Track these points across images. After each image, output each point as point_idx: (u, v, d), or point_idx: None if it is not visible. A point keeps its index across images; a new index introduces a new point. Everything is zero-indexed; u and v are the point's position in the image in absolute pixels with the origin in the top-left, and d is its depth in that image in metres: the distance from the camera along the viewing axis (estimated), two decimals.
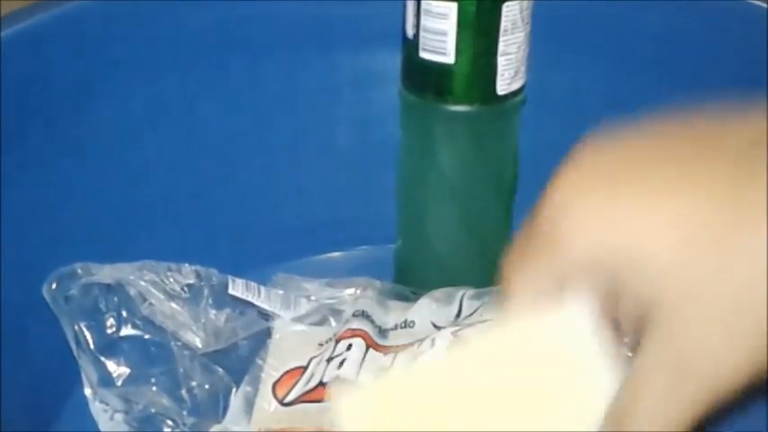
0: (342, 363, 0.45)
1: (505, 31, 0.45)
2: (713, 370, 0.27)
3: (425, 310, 0.48)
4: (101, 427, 0.46)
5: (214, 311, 0.46)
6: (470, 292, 0.48)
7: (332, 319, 0.49)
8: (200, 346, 0.46)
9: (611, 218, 0.28)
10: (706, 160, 0.27)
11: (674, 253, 0.27)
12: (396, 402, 0.32)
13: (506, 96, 0.47)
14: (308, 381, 0.46)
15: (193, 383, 0.46)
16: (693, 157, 0.28)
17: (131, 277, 0.45)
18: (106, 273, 0.45)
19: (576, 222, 0.29)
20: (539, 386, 0.32)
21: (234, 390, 0.47)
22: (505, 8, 0.44)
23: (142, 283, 0.45)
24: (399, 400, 0.32)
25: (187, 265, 0.47)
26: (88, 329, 0.45)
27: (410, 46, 0.46)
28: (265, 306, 0.48)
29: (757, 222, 0.25)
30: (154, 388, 0.46)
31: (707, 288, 0.27)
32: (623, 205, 0.28)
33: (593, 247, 0.29)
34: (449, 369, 0.33)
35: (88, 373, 0.45)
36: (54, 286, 0.44)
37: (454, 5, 0.44)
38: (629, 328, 0.32)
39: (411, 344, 0.47)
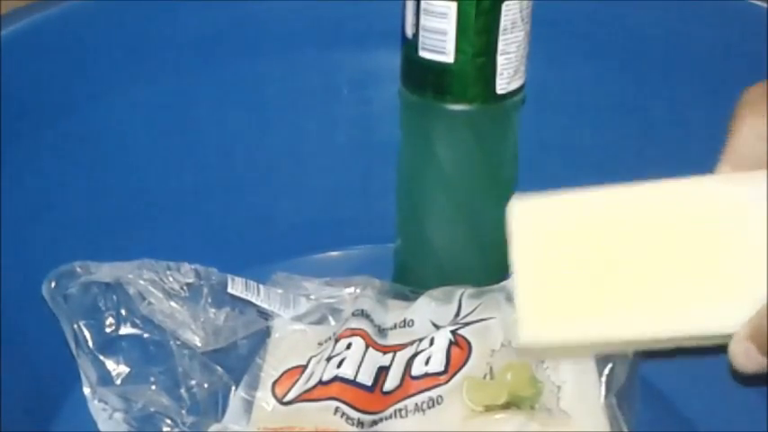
0: (341, 362, 0.45)
1: (505, 30, 0.45)
2: None
3: (425, 309, 0.48)
4: (100, 426, 0.46)
5: (213, 310, 0.46)
6: (470, 290, 0.48)
7: (331, 318, 0.49)
8: (199, 345, 0.46)
9: None
10: None
11: None
12: (567, 220, 0.34)
13: (506, 95, 0.47)
14: (308, 380, 0.46)
15: (193, 382, 0.46)
16: None
17: (130, 276, 0.45)
18: (105, 271, 0.45)
19: None
20: (711, 245, 0.33)
21: (233, 389, 0.47)
22: (505, 7, 0.44)
23: (141, 281, 0.45)
24: (572, 218, 0.34)
25: (186, 263, 0.47)
26: (87, 328, 0.45)
27: (410, 45, 0.46)
28: (265, 305, 0.48)
29: None
30: (153, 387, 0.46)
31: None
32: None
33: None
34: (631, 201, 0.34)
35: (87, 371, 0.45)
36: (53, 285, 0.44)
37: (454, 5, 0.44)
38: None
39: (410, 343, 0.47)
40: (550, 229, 0.35)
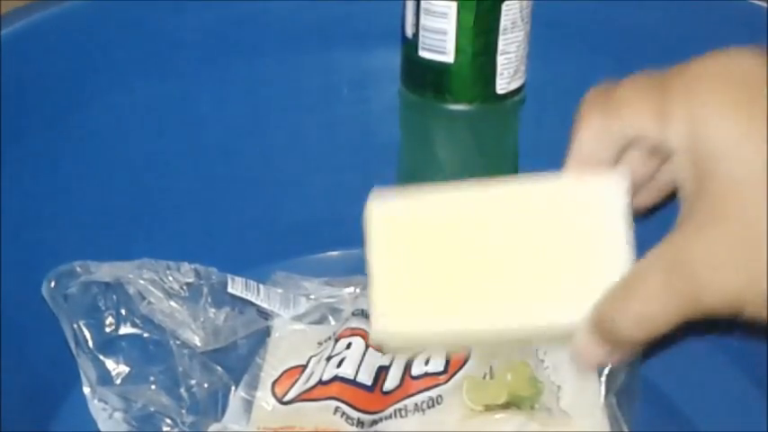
0: (341, 362, 0.45)
1: (505, 30, 0.45)
2: (711, 288, 0.29)
3: None
4: (100, 426, 0.46)
5: (213, 310, 0.46)
6: None
7: (331, 318, 0.49)
8: (199, 344, 0.46)
9: (696, 107, 0.30)
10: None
11: (739, 160, 0.29)
12: (423, 219, 0.36)
13: (506, 95, 0.46)
14: (308, 379, 0.46)
15: (192, 382, 0.46)
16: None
17: (130, 276, 0.45)
18: (105, 271, 0.45)
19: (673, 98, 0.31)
20: (555, 242, 0.34)
21: (233, 388, 0.47)
22: (505, 7, 0.44)
23: (141, 281, 0.45)
24: (427, 217, 0.36)
25: (186, 263, 0.47)
26: (87, 328, 0.45)
27: (410, 45, 0.46)
28: (264, 305, 0.48)
29: None
30: (153, 386, 0.46)
31: (751, 220, 0.29)
32: (740, 118, 0.29)
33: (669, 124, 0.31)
34: (482, 200, 0.36)
35: (87, 371, 0.45)
36: (53, 285, 0.44)
37: (454, 4, 0.44)
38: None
39: None
40: (405, 226, 0.36)
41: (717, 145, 0.29)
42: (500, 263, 0.35)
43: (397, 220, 0.36)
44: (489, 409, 0.43)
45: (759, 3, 0.47)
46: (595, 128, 0.34)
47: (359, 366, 0.45)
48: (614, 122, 0.33)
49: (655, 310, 0.31)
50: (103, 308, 0.46)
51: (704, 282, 0.29)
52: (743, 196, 0.29)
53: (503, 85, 0.46)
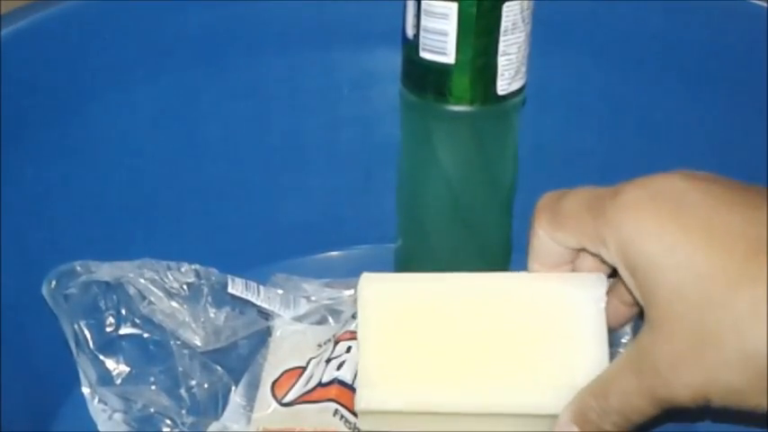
0: (341, 365, 0.45)
1: (506, 31, 0.45)
2: (676, 385, 0.32)
3: None
4: (100, 426, 0.46)
5: (214, 310, 0.46)
6: None
7: (331, 320, 0.49)
8: (199, 344, 0.46)
9: (655, 231, 0.32)
10: (735, 231, 0.31)
11: (674, 267, 0.31)
12: (412, 303, 0.38)
13: (506, 96, 0.46)
14: (308, 381, 0.46)
15: (193, 382, 0.46)
16: (726, 224, 0.31)
17: (131, 275, 0.45)
18: (105, 271, 0.45)
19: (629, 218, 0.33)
20: (536, 334, 0.37)
21: (233, 389, 0.47)
22: (506, 8, 0.44)
23: (141, 281, 0.45)
24: (416, 302, 0.38)
25: (186, 263, 0.47)
26: (87, 328, 0.45)
27: (410, 46, 0.46)
28: (265, 305, 0.48)
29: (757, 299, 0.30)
30: (153, 387, 0.46)
31: (698, 319, 0.31)
32: (669, 230, 0.32)
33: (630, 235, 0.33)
34: (470, 290, 0.38)
35: (87, 371, 0.45)
36: (53, 285, 0.44)
37: (454, 6, 0.44)
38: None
39: None
40: (396, 307, 0.38)
41: (650, 258, 0.32)
42: (483, 348, 0.37)
43: (388, 297, 0.39)
44: None
45: (759, 3, 0.47)
46: (544, 237, 0.37)
47: (356, 373, 0.45)
48: (558, 234, 0.36)
49: (630, 407, 0.34)
50: (104, 308, 0.46)
51: (669, 380, 0.32)
52: (685, 299, 0.31)
53: (503, 86, 0.46)
